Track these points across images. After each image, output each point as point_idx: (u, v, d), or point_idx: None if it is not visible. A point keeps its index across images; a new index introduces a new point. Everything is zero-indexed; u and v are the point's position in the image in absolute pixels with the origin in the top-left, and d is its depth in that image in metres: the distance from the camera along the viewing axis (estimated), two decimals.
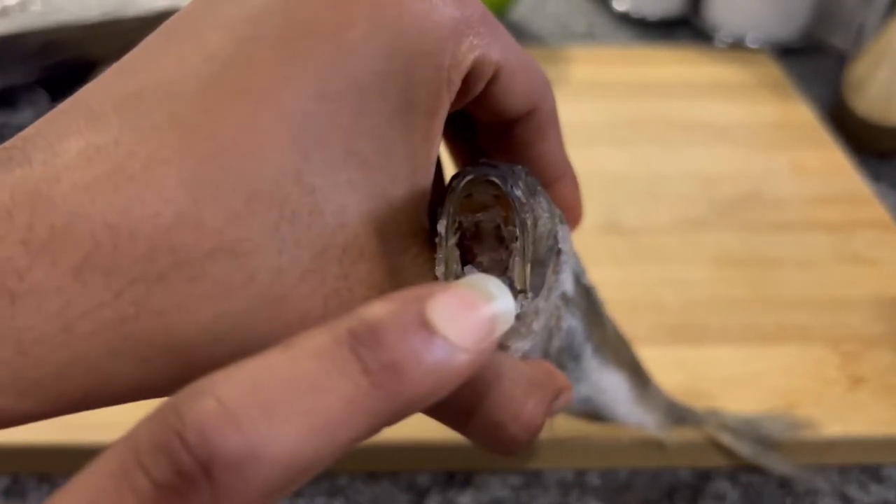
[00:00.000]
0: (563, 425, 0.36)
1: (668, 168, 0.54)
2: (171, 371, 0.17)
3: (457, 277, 0.19)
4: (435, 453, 0.36)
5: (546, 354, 0.24)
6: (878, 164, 0.57)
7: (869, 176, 0.56)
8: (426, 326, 0.14)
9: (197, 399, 0.13)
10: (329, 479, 0.36)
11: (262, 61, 0.17)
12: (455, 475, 0.37)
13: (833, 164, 0.55)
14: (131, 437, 0.13)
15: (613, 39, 0.76)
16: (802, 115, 0.61)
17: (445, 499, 0.36)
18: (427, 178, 0.19)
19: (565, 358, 0.26)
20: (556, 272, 0.21)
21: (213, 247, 0.16)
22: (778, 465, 0.36)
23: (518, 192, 0.19)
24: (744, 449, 0.36)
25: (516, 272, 0.19)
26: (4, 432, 0.34)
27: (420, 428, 0.36)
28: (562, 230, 0.21)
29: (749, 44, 0.72)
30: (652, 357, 0.35)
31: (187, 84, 0.17)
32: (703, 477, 0.37)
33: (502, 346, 0.20)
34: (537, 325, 0.20)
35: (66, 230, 0.15)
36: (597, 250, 0.42)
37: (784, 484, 0.36)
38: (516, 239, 0.19)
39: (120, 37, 0.60)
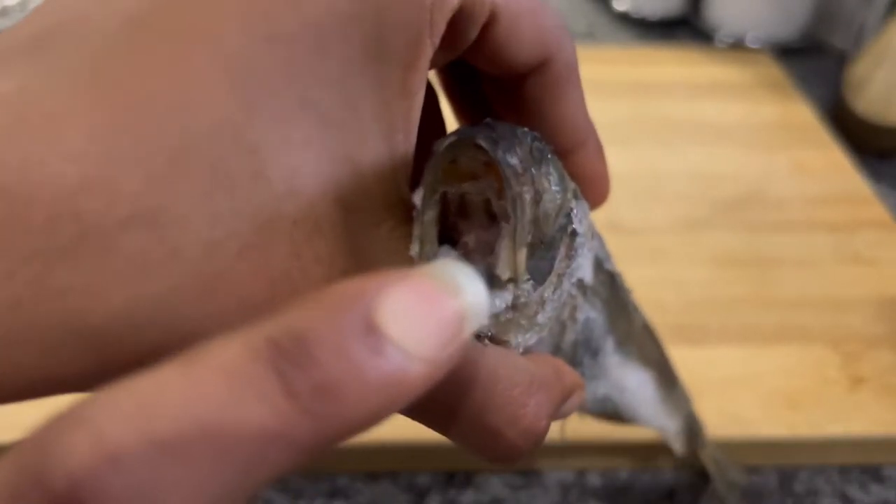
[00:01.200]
0: (564, 424, 0.36)
1: (669, 168, 0.54)
2: (83, 363, 0.14)
3: (431, 260, 0.16)
4: (435, 453, 0.36)
5: (557, 349, 0.21)
6: (878, 164, 0.57)
7: (869, 176, 0.56)
8: (372, 331, 0.11)
9: (70, 433, 0.10)
10: (329, 480, 0.36)
11: None
12: (455, 475, 0.37)
13: (833, 163, 0.55)
14: None
15: (613, 39, 0.76)
16: (803, 115, 0.61)
17: (445, 499, 0.36)
18: (407, 141, 0.16)
19: (581, 353, 0.23)
20: (570, 257, 0.18)
21: (129, 215, 0.13)
22: None
23: (513, 160, 0.15)
24: (719, 485, 0.35)
25: (503, 257, 0.16)
26: (4, 432, 0.34)
27: (420, 428, 0.36)
28: (578, 207, 0.18)
29: (749, 44, 0.72)
30: None
31: (109, 22, 0.14)
32: (704, 477, 0.37)
33: (499, 340, 0.17)
34: (543, 317, 0.17)
35: None
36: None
37: (784, 484, 0.36)
38: (509, 217, 0.16)
39: None
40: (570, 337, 0.21)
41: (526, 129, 0.17)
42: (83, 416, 0.10)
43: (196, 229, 0.14)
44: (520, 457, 0.17)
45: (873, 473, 0.37)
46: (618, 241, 0.46)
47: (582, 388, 0.20)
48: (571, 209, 0.18)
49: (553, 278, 0.17)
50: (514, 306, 0.16)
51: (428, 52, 0.15)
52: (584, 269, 0.20)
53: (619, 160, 0.54)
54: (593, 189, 0.22)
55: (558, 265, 0.18)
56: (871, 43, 0.56)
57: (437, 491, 0.36)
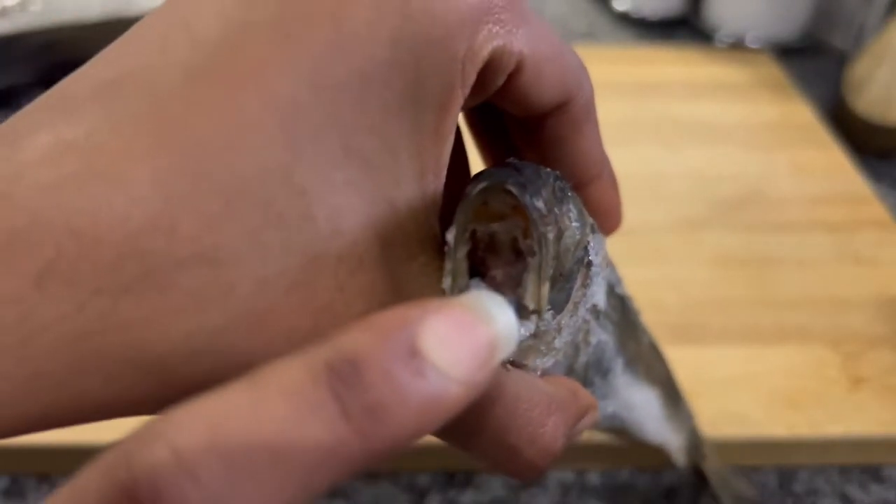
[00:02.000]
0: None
1: (669, 168, 0.54)
2: (143, 389, 0.15)
3: (462, 292, 0.17)
4: (435, 454, 0.36)
5: (570, 370, 0.22)
6: (878, 164, 0.57)
7: (869, 176, 0.56)
8: (415, 356, 0.12)
9: (150, 447, 0.11)
10: None
11: (252, 47, 0.15)
12: (455, 475, 0.37)
13: (833, 163, 0.55)
14: (77, 489, 0.11)
15: (613, 39, 0.76)
16: (802, 115, 0.61)
17: (446, 499, 0.36)
18: (437, 180, 0.17)
19: (592, 373, 0.24)
20: (585, 286, 0.19)
21: (187, 255, 0.14)
22: None
23: (539, 203, 0.17)
24: (725, 500, 0.35)
25: (529, 290, 0.17)
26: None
27: None
28: (594, 240, 0.19)
29: (749, 44, 0.72)
30: None
31: (169, 72, 0.15)
32: (704, 478, 0.37)
33: (519, 364, 0.18)
34: (560, 342, 0.19)
35: (25, 234, 0.14)
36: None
37: (784, 484, 0.36)
38: (534, 253, 0.17)
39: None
40: (582, 359, 0.22)
41: (549, 169, 0.18)
42: (161, 431, 0.11)
43: (249, 267, 0.15)
44: (537, 474, 0.18)
45: (873, 473, 0.37)
46: (617, 241, 0.47)
47: (595, 408, 0.21)
48: (588, 242, 0.19)
49: (570, 306, 0.19)
50: (535, 334, 0.18)
51: (459, 100, 0.17)
52: (598, 295, 0.21)
53: (619, 160, 0.54)
54: (608, 218, 0.23)
55: (575, 294, 0.19)
56: (871, 43, 0.56)
57: (437, 491, 0.36)
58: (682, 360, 0.37)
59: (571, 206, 0.18)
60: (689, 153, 0.56)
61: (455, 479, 0.36)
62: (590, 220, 0.20)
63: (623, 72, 0.66)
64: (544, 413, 0.18)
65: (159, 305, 0.14)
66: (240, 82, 0.15)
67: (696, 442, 0.34)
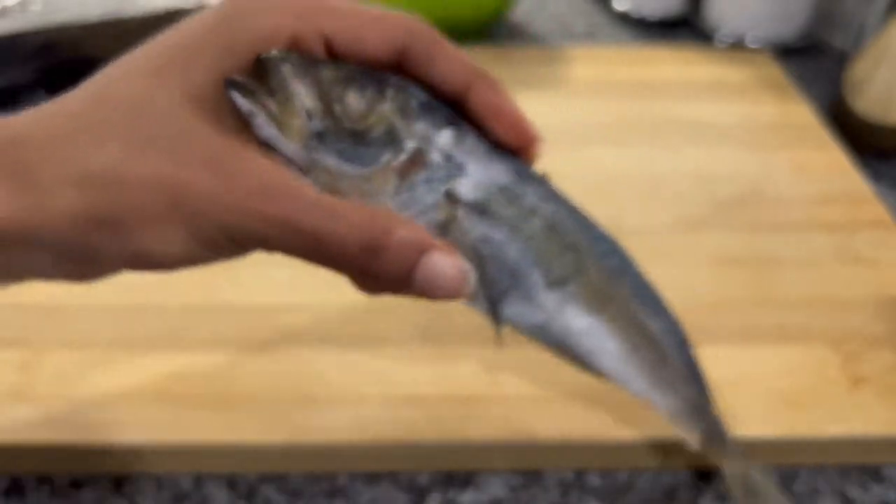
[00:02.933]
0: (564, 424, 0.36)
1: (669, 168, 0.55)
2: (90, 201, 0.25)
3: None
4: (435, 454, 0.36)
5: (474, 258, 0.27)
6: (878, 164, 0.57)
7: (869, 176, 0.56)
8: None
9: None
10: (329, 480, 0.36)
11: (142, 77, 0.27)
12: (455, 475, 0.37)
13: (833, 163, 0.55)
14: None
15: (613, 39, 0.76)
16: (802, 115, 0.61)
17: (445, 498, 0.36)
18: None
19: (496, 271, 0.28)
20: (417, 164, 0.27)
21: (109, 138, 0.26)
22: None
23: (291, 77, 0.26)
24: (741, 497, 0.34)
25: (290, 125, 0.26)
26: (5, 432, 0.35)
27: (420, 429, 0.36)
28: (445, 136, 0.27)
29: (749, 44, 0.72)
30: None
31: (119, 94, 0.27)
32: (704, 478, 0.37)
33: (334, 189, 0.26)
34: (316, 178, 0.26)
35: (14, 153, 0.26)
36: None
37: (784, 484, 0.37)
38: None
39: (120, 37, 0.60)
40: (465, 240, 0.27)
41: (399, 79, 0.27)
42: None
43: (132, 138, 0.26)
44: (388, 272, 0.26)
45: (873, 473, 0.37)
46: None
47: (449, 253, 0.26)
48: (395, 126, 0.27)
49: (383, 168, 0.26)
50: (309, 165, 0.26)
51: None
52: (461, 187, 0.27)
53: (619, 160, 0.55)
54: (501, 121, 0.28)
55: (389, 162, 0.26)
56: (871, 43, 0.57)
57: (436, 491, 0.36)
58: None
59: (359, 91, 0.26)
60: (688, 153, 0.56)
61: (455, 480, 0.36)
62: (445, 123, 0.27)
63: (623, 71, 0.66)
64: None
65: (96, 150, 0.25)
66: (153, 81, 0.26)
67: (713, 428, 0.33)
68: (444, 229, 0.27)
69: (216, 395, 0.38)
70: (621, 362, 0.30)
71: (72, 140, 0.25)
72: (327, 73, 0.26)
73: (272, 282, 0.44)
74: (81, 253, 0.25)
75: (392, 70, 0.28)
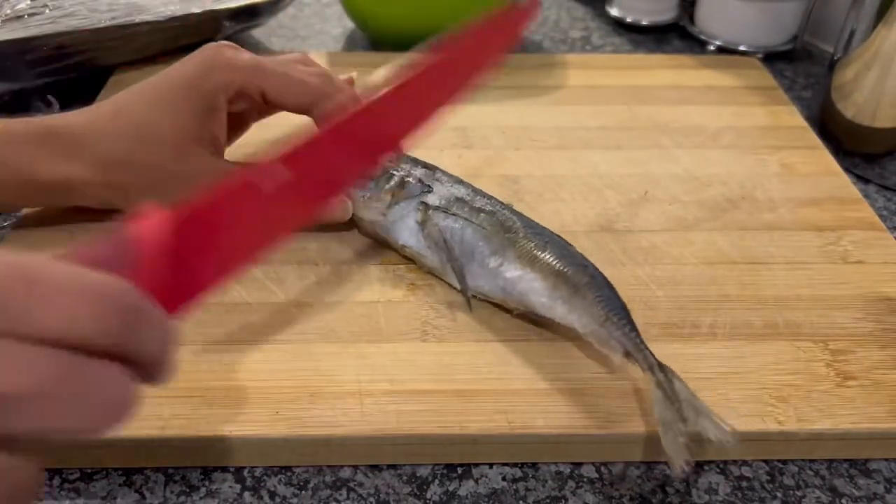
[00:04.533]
0: (558, 421, 0.37)
1: (661, 170, 0.55)
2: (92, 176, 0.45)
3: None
4: (436, 447, 0.37)
5: (447, 245, 0.44)
6: (865, 167, 0.58)
7: (856, 178, 0.57)
8: None
9: None
10: (332, 471, 0.37)
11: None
12: (455, 467, 0.37)
13: (822, 166, 0.56)
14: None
15: (609, 45, 0.77)
16: (792, 118, 0.62)
17: (445, 490, 0.36)
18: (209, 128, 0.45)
19: (462, 249, 0.43)
20: (402, 187, 0.46)
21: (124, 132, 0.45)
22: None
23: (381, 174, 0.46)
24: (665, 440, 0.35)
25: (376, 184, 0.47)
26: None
27: (421, 423, 0.37)
28: (414, 173, 0.47)
29: (739, 49, 0.73)
30: None
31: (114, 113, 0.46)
32: (695, 470, 0.37)
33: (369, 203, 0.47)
34: (379, 202, 0.46)
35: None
36: (590, 250, 0.43)
37: (774, 477, 0.37)
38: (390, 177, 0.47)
39: (130, 42, 0.61)
40: (435, 231, 0.44)
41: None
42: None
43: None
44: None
45: (861, 467, 0.38)
46: (611, 241, 0.48)
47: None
48: (392, 174, 0.46)
49: (386, 191, 0.46)
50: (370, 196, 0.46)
51: (222, 105, 0.45)
52: (430, 198, 0.45)
53: (613, 162, 0.56)
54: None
55: (388, 186, 0.46)
56: (859, 49, 0.57)
57: (437, 483, 0.37)
58: (674, 357, 0.38)
59: (397, 171, 0.47)
60: (680, 156, 0.57)
61: (455, 471, 0.37)
62: (420, 166, 0.48)
63: (617, 76, 0.67)
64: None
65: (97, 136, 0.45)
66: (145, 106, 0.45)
67: (629, 343, 0.38)
68: (422, 224, 0.45)
69: (223, 389, 0.38)
70: (545, 297, 0.40)
71: (100, 136, 0.44)
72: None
73: (279, 279, 0.45)
74: (103, 203, 0.45)
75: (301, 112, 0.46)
